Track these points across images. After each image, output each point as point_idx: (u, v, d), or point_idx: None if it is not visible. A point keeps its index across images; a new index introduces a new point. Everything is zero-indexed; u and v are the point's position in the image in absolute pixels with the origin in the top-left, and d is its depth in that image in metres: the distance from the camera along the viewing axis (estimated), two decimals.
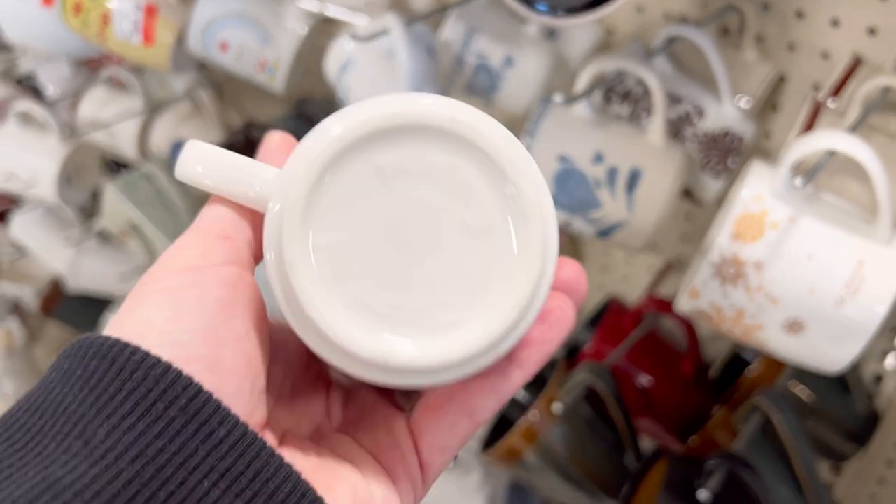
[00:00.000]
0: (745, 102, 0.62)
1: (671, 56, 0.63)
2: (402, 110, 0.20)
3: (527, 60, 0.66)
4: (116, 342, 0.19)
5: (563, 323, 0.24)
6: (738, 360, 0.75)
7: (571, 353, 0.75)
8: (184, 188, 0.96)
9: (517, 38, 0.66)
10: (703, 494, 0.58)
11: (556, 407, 0.65)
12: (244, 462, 0.19)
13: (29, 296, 1.26)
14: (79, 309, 1.23)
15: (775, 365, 0.66)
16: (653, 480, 0.64)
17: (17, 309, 1.30)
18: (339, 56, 0.64)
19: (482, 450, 0.70)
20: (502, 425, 0.71)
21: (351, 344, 0.20)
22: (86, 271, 1.10)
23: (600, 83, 0.57)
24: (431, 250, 0.21)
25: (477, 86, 0.67)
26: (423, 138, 0.21)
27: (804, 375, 0.66)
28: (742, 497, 0.61)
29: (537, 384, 0.74)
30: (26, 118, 0.97)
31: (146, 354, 0.19)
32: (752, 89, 0.63)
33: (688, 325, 0.70)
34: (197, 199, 0.99)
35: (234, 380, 0.20)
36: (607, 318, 0.72)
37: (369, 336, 0.20)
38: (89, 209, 1.12)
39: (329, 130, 0.21)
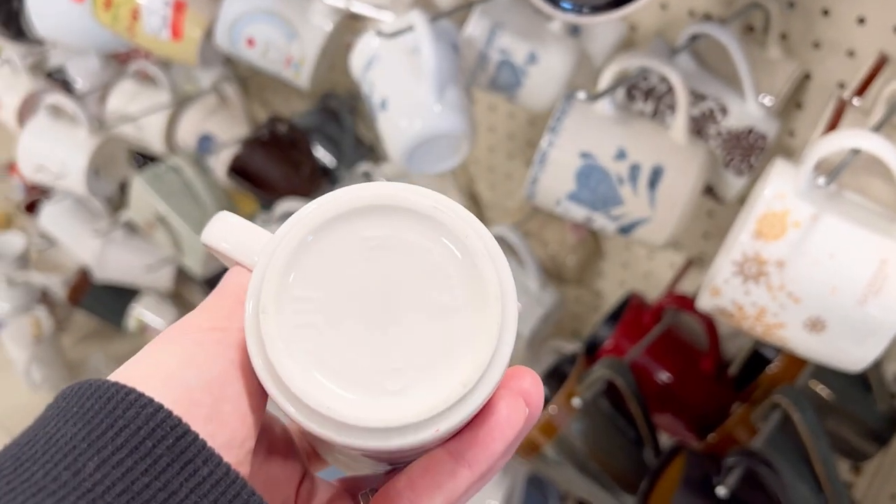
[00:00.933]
0: (768, 100, 0.62)
1: (695, 53, 0.63)
2: (392, 193, 0.23)
3: (550, 57, 0.66)
4: (114, 384, 0.20)
5: (513, 428, 0.23)
6: (758, 357, 0.75)
7: (591, 349, 0.76)
8: (210, 181, 0.98)
9: (541, 35, 0.66)
10: (721, 491, 0.58)
11: (576, 401, 0.65)
12: (226, 499, 0.20)
13: (57, 285, 1.28)
14: (105, 299, 1.25)
15: (796, 363, 0.66)
16: (671, 476, 0.65)
17: (45, 298, 1.32)
18: (364, 52, 0.64)
19: None
20: None
21: (298, 388, 0.21)
22: (112, 262, 1.11)
23: (623, 80, 0.57)
24: (396, 320, 0.22)
25: (500, 82, 0.68)
26: (406, 219, 0.23)
27: (825, 374, 0.66)
28: (760, 494, 0.61)
29: (557, 379, 0.75)
30: (56, 111, 0.99)
31: (139, 395, 0.20)
32: (777, 87, 0.62)
33: (708, 323, 0.70)
34: (223, 192, 1.00)
35: (228, 432, 0.21)
36: (628, 313, 0.73)
37: (318, 386, 0.22)
38: (116, 201, 1.14)
39: (323, 200, 0.23)
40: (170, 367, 0.21)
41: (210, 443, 0.20)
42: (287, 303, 0.22)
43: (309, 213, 0.22)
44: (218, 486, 0.20)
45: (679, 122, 0.57)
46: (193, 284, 1.18)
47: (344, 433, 0.22)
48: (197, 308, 0.24)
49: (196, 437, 0.20)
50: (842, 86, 0.63)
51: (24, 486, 0.18)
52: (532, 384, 0.24)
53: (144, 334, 1.23)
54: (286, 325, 0.22)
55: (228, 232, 0.25)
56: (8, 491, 0.18)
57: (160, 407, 0.20)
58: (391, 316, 0.22)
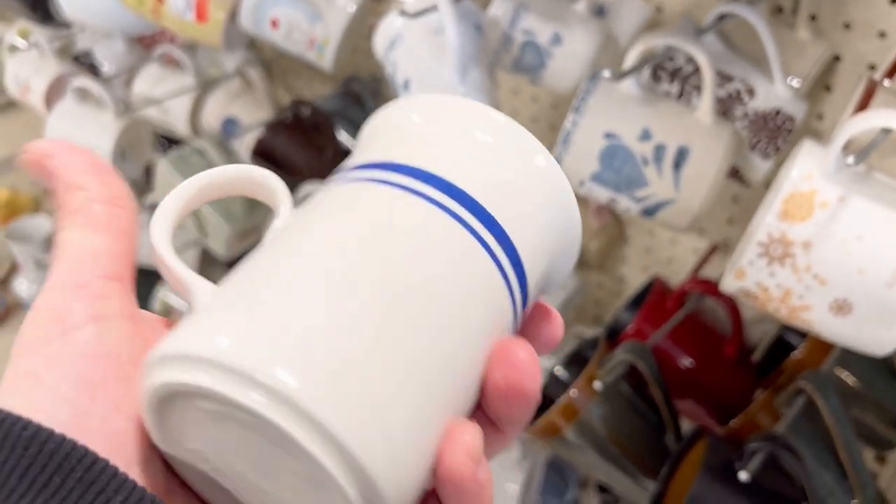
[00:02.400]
0: (796, 82, 0.61)
1: (721, 34, 0.63)
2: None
3: (575, 38, 0.65)
4: (6, 416, 0.18)
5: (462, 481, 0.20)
6: (782, 344, 0.74)
7: (613, 334, 0.75)
8: (234, 163, 0.98)
9: (565, 16, 0.65)
10: (743, 475, 0.58)
11: (597, 384, 0.65)
12: None
13: None
14: None
15: (820, 349, 0.66)
16: (692, 461, 0.64)
17: None
18: (387, 32, 0.64)
19: None
20: (542, 402, 0.72)
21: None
22: (137, 245, 1.13)
23: (650, 60, 0.57)
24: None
25: (524, 63, 0.67)
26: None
27: (850, 361, 0.65)
28: (783, 480, 0.60)
29: (578, 363, 0.75)
30: (83, 94, 1.00)
31: (38, 428, 0.18)
32: (805, 69, 0.62)
33: (732, 308, 0.69)
34: None
35: (129, 449, 0.20)
36: (651, 298, 0.72)
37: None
38: (141, 184, 1.15)
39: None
40: (51, 381, 0.19)
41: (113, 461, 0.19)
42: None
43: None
44: None
45: (705, 103, 0.56)
46: (218, 267, 1.19)
47: None
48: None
49: (106, 464, 0.18)
50: (872, 67, 0.62)
51: None
52: (526, 355, 0.21)
53: (169, 317, 1.24)
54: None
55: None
56: None
57: (63, 438, 0.18)
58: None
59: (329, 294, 0.19)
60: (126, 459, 0.19)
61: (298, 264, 0.20)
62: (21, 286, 1.26)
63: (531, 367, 0.21)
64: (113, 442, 0.19)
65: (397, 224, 0.21)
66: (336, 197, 0.23)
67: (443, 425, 0.20)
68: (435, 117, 0.24)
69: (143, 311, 0.24)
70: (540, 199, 0.24)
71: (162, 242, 0.23)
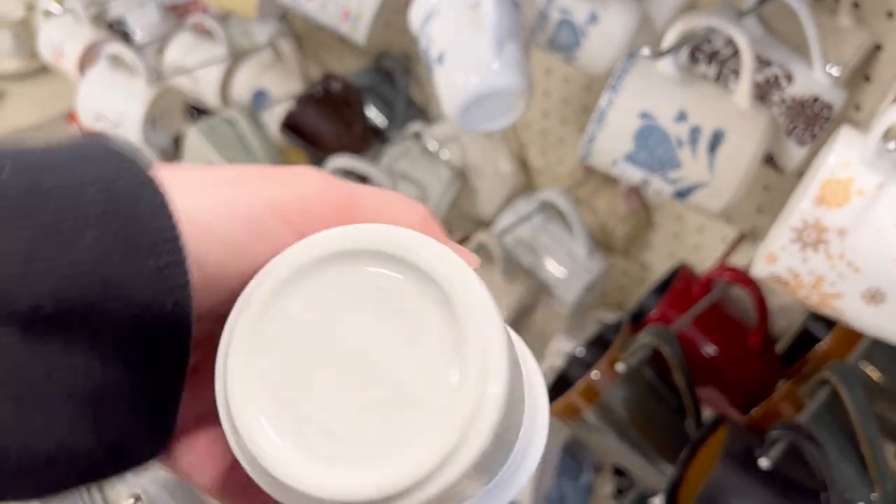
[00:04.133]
0: (836, 70, 0.60)
1: (762, 18, 0.62)
2: (395, 240, 0.20)
3: (612, 18, 0.65)
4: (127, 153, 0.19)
5: None
6: (806, 335, 0.73)
7: (637, 318, 0.75)
8: (263, 136, 0.99)
9: None
10: (764, 463, 0.58)
11: (620, 367, 0.65)
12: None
13: None
14: None
15: (846, 342, 0.65)
16: (712, 447, 0.64)
17: None
18: (423, 5, 0.64)
19: None
20: (561, 383, 0.72)
21: (257, 451, 0.20)
22: None
23: (688, 40, 0.56)
24: (374, 380, 0.20)
25: (559, 42, 0.67)
26: (380, 264, 0.20)
27: (876, 355, 0.65)
28: (803, 470, 0.60)
29: (600, 347, 0.75)
30: (116, 61, 1.01)
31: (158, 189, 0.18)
32: (845, 57, 0.61)
33: (758, 296, 0.69)
34: (275, 147, 1.01)
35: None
36: (677, 283, 0.72)
37: (282, 451, 0.20)
38: (170, 154, 1.16)
39: (314, 240, 0.21)
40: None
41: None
42: (259, 346, 0.20)
43: (297, 252, 0.20)
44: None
45: (743, 86, 0.55)
46: None
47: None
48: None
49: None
50: None
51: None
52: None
53: None
54: (254, 372, 0.20)
55: None
56: None
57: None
58: (368, 377, 0.20)
59: None
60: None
61: None
62: None
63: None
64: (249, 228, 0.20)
65: None
66: None
67: None
68: None
69: None
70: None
71: None
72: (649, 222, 0.87)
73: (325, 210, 0.21)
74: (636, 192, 0.83)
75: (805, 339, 0.72)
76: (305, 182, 0.22)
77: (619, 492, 0.86)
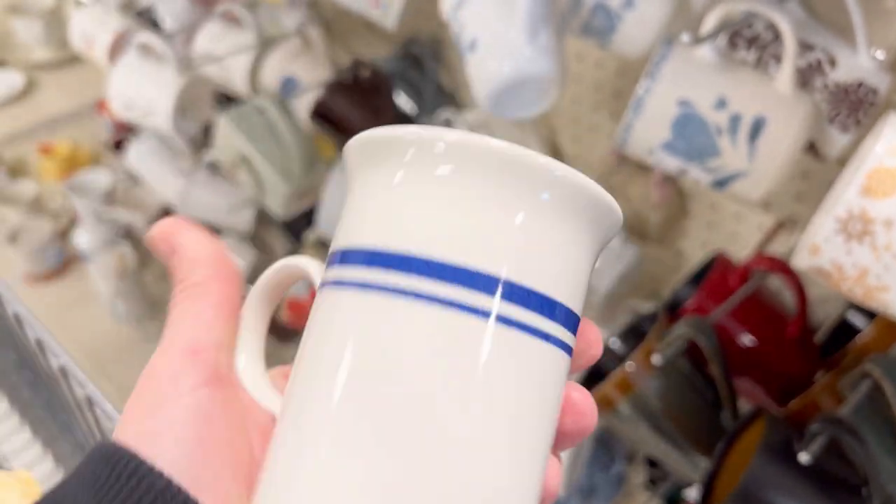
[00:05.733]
0: (881, 54, 0.58)
1: (803, 1, 0.60)
2: None
3: (647, 2, 0.63)
4: (125, 455, 0.21)
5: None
6: (845, 326, 0.72)
7: (672, 308, 0.74)
8: (293, 123, 0.98)
9: None
10: (804, 457, 0.57)
11: (656, 358, 0.64)
12: None
13: (141, 222, 1.32)
14: None
15: (888, 334, 0.64)
16: (748, 440, 0.63)
17: (129, 234, 1.36)
18: None
19: None
20: (595, 375, 0.71)
21: None
22: (195, 201, 1.14)
23: (728, 25, 0.55)
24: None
25: (593, 27, 0.65)
26: None
27: None
28: (843, 465, 0.59)
29: (634, 337, 0.74)
30: (145, 50, 1.01)
31: (148, 469, 0.21)
32: (891, 40, 0.59)
33: (797, 287, 0.67)
34: (305, 134, 1.01)
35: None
36: (713, 273, 0.70)
37: None
38: (200, 142, 1.16)
39: None
40: (168, 443, 0.21)
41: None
42: None
43: None
44: None
45: (785, 72, 0.54)
46: (273, 226, 1.20)
47: None
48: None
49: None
50: None
51: None
52: (581, 395, 0.24)
53: None
54: None
55: None
56: None
57: (168, 483, 0.20)
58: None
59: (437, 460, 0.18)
60: None
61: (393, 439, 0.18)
62: (81, 238, 1.29)
63: (590, 405, 0.23)
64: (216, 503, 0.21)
65: (454, 362, 0.18)
66: (370, 329, 0.19)
67: None
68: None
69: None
70: (576, 225, 0.21)
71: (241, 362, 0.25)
72: (684, 210, 0.85)
73: None
74: (670, 181, 0.82)
75: (844, 330, 0.71)
76: None
77: (652, 482, 0.86)
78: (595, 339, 0.24)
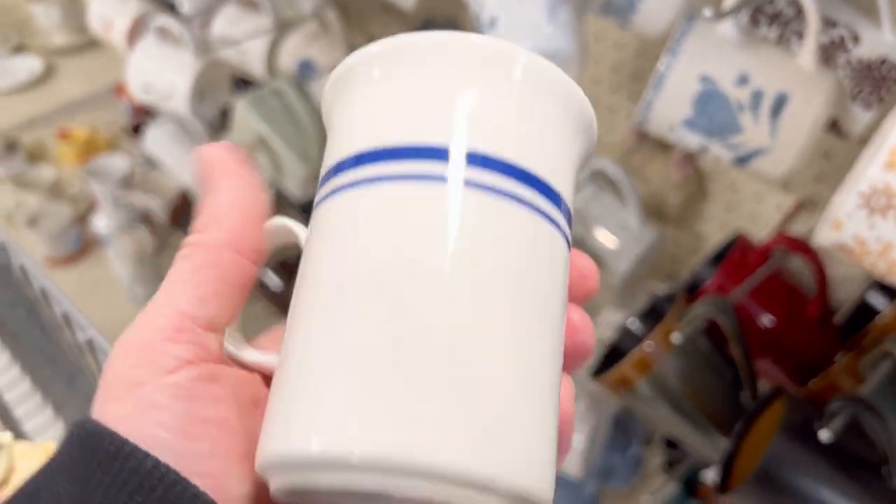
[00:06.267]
0: None
1: None
2: None
3: None
4: (108, 435, 0.19)
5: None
6: (865, 307, 0.71)
7: (692, 289, 0.74)
8: (310, 106, 0.98)
9: None
10: (824, 435, 0.57)
11: (675, 337, 0.64)
12: None
13: (158, 206, 1.33)
14: None
15: None
16: (768, 420, 0.63)
17: (147, 218, 1.37)
18: None
19: (592, 376, 0.70)
20: (613, 355, 0.71)
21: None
22: None
23: (750, 2, 0.54)
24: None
25: (613, 6, 0.65)
26: None
27: None
28: (863, 443, 0.59)
29: (653, 318, 0.73)
30: (163, 33, 1.01)
31: (132, 448, 0.19)
32: None
33: (818, 266, 0.67)
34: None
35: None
36: (733, 253, 0.70)
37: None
38: (217, 125, 1.17)
39: None
40: (148, 426, 0.20)
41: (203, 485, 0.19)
42: None
43: None
44: None
45: (807, 48, 0.53)
46: (291, 208, 1.21)
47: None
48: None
49: (187, 487, 0.19)
50: None
51: None
52: (580, 316, 0.23)
53: None
54: None
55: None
56: None
57: (156, 463, 0.19)
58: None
59: (440, 345, 0.18)
60: (224, 502, 0.20)
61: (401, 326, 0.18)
62: (99, 223, 1.30)
63: (588, 325, 0.23)
64: (211, 485, 0.20)
65: (456, 241, 0.19)
66: (381, 215, 0.20)
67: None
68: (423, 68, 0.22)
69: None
70: (562, 118, 0.23)
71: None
72: (702, 191, 0.85)
73: None
74: (690, 160, 0.81)
75: (864, 311, 0.70)
76: None
77: (670, 464, 0.86)
78: (590, 271, 0.23)
